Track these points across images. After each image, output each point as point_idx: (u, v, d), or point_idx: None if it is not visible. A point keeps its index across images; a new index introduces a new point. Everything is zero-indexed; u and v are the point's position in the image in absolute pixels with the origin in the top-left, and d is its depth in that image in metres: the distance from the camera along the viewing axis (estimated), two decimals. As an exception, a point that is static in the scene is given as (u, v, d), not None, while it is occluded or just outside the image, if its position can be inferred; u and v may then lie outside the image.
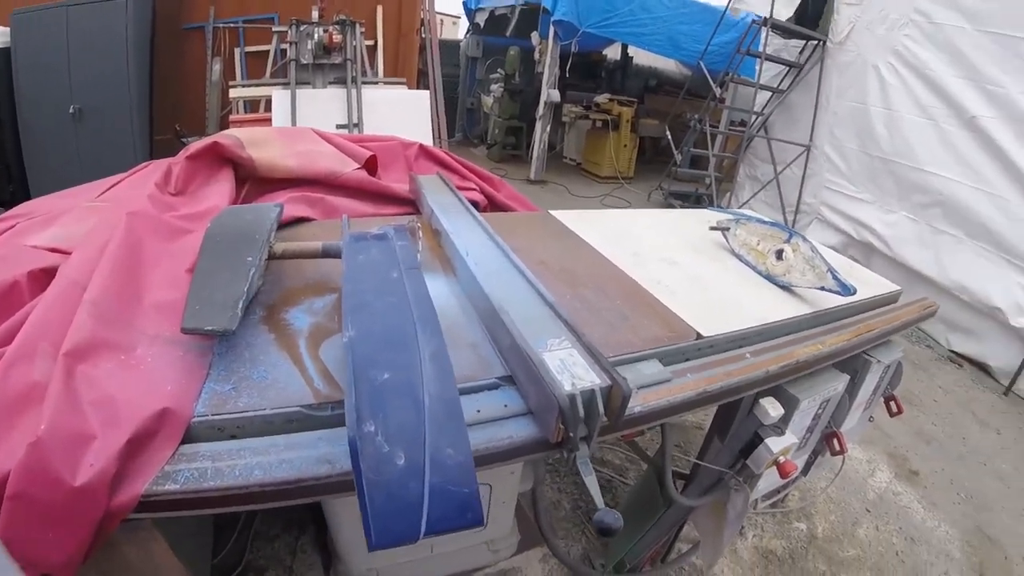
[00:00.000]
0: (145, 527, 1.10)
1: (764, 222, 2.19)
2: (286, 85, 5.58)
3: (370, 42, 6.75)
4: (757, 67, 7.49)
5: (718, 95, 8.05)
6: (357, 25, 5.94)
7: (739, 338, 1.54)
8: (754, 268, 2.01)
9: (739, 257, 2.10)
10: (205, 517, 1.84)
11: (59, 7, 5.52)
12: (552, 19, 8.42)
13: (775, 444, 1.66)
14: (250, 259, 1.28)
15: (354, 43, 5.85)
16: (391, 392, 0.93)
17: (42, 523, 0.79)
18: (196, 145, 1.95)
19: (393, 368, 0.97)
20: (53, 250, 1.40)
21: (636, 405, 1.16)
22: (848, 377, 1.85)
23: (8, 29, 5.50)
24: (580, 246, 1.99)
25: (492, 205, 2.49)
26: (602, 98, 10.68)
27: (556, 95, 9.02)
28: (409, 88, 6.60)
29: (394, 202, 2.20)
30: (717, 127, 8.59)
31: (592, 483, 1.00)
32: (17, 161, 5.79)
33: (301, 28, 5.73)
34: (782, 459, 1.69)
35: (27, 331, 1.03)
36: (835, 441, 1.96)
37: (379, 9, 6.93)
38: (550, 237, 2.05)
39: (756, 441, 1.70)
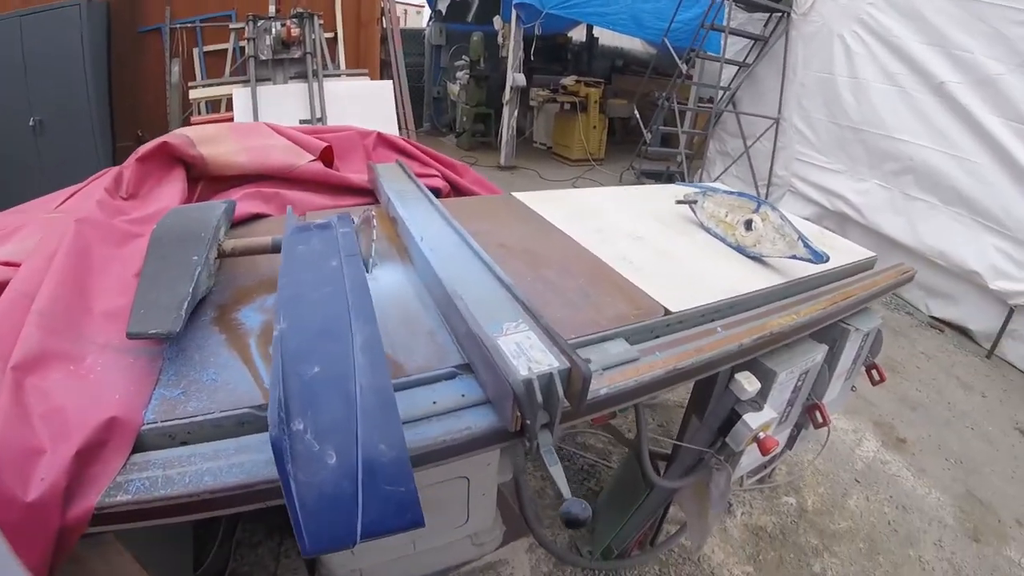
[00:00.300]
0: (108, 540, 1.07)
1: (732, 193, 2.16)
2: (246, 83, 5.53)
3: (329, 34, 6.70)
4: (722, 42, 7.45)
5: (684, 72, 8.00)
6: (315, 17, 5.90)
7: (710, 312, 1.51)
8: (723, 240, 1.98)
9: (707, 230, 2.06)
10: (181, 526, 1.79)
11: (11, 17, 5.40)
12: (514, 2, 8.36)
13: (754, 420, 1.63)
14: (196, 258, 1.24)
15: (313, 36, 5.80)
16: (321, 386, 0.88)
17: (-1, 541, 0.76)
18: (145, 146, 1.90)
19: (324, 361, 0.93)
20: (7, 264, 1.36)
21: (602, 387, 1.13)
22: (826, 347, 1.83)
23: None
24: (543, 227, 1.95)
25: (455, 191, 2.45)
26: (569, 80, 10.63)
27: (521, 79, 8.95)
28: (372, 79, 6.54)
29: (353, 193, 2.15)
30: (685, 104, 8.57)
31: (557, 472, 0.96)
32: (-21, 177, 5.65)
33: (258, 23, 5.67)
34: (762, 435, 1.66)
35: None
36: (817, 413, 1.95)
37: (337, 0, 6.85)
38: (513, 219, 2.01)
39: (734, 418, 1.68)
